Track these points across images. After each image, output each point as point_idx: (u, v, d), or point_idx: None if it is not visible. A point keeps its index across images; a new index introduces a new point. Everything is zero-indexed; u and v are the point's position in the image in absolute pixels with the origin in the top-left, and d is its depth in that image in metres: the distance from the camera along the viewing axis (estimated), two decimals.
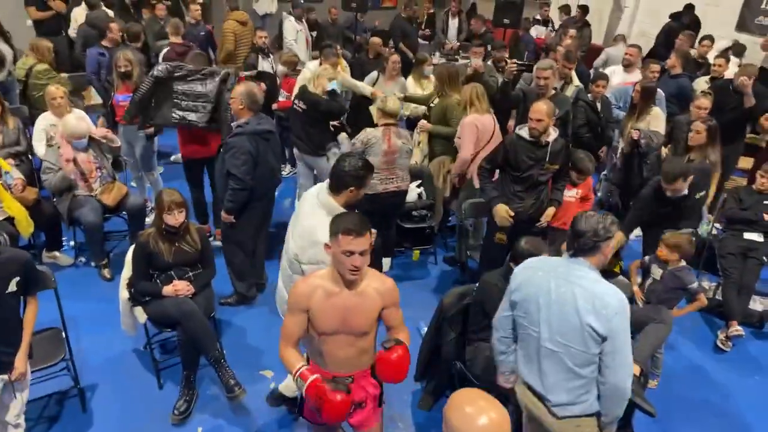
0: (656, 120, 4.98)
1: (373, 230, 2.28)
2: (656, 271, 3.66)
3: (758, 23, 7.36)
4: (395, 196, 4.43)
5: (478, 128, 4.49)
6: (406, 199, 4.67)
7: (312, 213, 2.79)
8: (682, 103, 5.57)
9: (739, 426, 3.51)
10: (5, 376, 2.59)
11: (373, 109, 4.90)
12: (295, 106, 4.89)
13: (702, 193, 4.00)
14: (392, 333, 2.39)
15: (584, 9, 9.32)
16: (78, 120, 4.38)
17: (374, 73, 5.89)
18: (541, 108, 3.75)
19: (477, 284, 3.26)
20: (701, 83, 5.91)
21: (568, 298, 2.24)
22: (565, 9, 9.81)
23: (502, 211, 3.94)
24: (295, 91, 5.30)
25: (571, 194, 4.17)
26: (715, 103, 4.93)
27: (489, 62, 6.33)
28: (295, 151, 5.15)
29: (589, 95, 5.38)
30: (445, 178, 4.98)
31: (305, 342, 2.40)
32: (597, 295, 2.18)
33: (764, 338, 4.38)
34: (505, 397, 2.77)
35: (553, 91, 4.85)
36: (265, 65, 6.40)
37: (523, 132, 3.85)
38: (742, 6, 7.54)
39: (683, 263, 3.59)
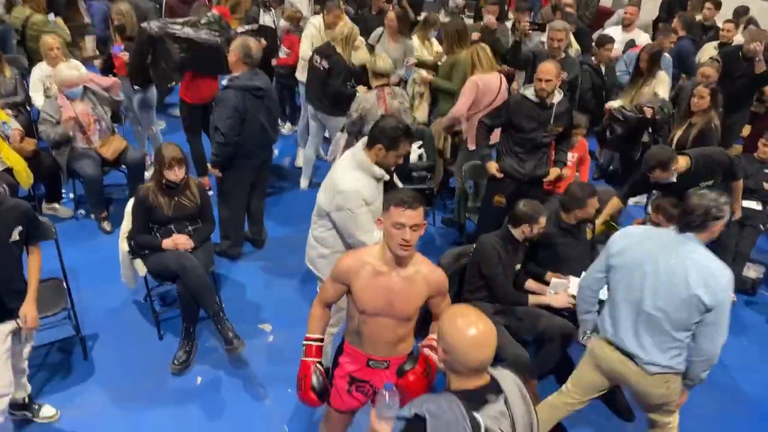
0: (661, 85, 4.91)
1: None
2: None
3: None
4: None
5: (479, 87, 4.42)
6: (408, 161, 4.60)
7: (341, 164, 2.84)
8: (682, 66, 5.50)
9: (727, 389, 3.59)
10: (13, 323, 2.63)
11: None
12: (315, 63, 4.74)
13: (709, 182, 3.64)
14: (435, 323, 2.28)
15: None
16: (70, 68, 4.31)
17: (379, 30, 5.75)
18: (549, 68, 3.69)
19: (474, 245, 3.28)
20: (709, 49, 5.81)
21: (678, 270, 2.37)
22: None
23: (492, 168, 3.98)
24: (304, 46, 5.22)
25: (568, 156, 4.17)
26: (722, 69, 4.86)
27: (507, 23, 6.23)
28: (309, 108, 5.05)
29: (593, 58, 5.29)
30: (446, 139, 4.95)
31: (347, 319, 2.35)
32: (710, 270, 2.35)
33: (755, 304, 4.44)
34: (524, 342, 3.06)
35: (563, 54, 4.78)
36: (266, 19, 6.26)
37: (529, 92, 3.80)
38: None
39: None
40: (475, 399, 1.59)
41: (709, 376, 3.59)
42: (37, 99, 4.65)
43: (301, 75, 5.30)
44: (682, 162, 3.52)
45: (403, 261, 2.13)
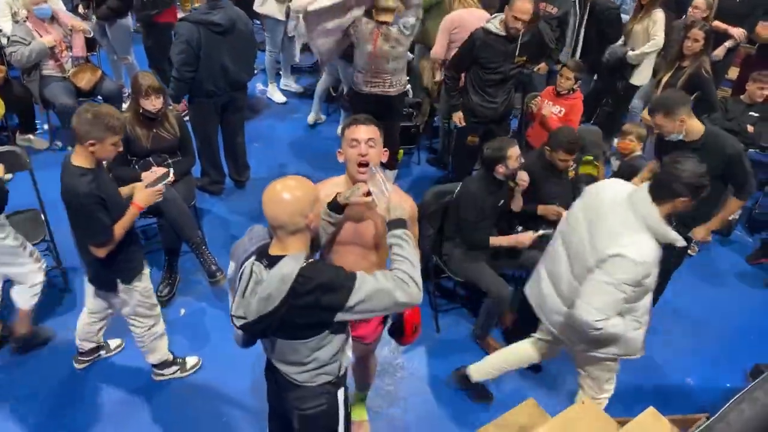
0: (655, 25, 4.72)
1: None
2: (614, 164, 3.81)
3: None
4: (380, 100, 4.10)
5: (454, 24, 4.24)
6: (399, 105, 4.36)
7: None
8: (679, 6, 5.35)
9: (700, 327, 3.71)
10: None
11: None
12: None
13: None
14: None
15: None
16: None
17: None
18: (528, 8, 3.56)
19: (459, 185, 3.27)
20: None
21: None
22: None
23: (457, 119, 4.01)
24: None
25: (554, 110, 4.08)
26: (716, 6, 4.75)
27: None
28: None
29: None
30: (434, 76, 4.84)
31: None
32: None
33: (729, 245, 4.54)
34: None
35: None
36: None
37: (492, 26, 3.69)
38: None
39: (639, 152, 3.71)
40: (259, 253, 1.80)
41: (680, 315, 3.76)
42: (4, 24, 4.41)
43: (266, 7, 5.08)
44: (694, 126, 2.90)
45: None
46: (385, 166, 4.61)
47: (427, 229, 3.34)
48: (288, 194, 1.70)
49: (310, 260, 1.75)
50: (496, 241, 3.20)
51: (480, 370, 2.95)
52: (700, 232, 3.20)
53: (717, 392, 3.23)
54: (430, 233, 3.36)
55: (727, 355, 3.50)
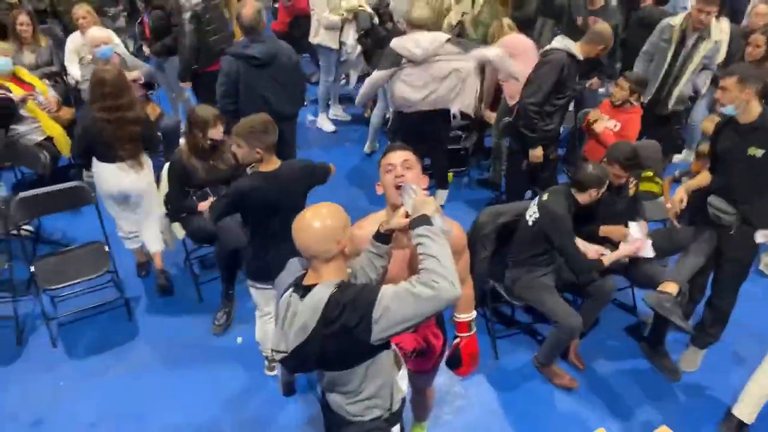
0: (722, 34, 4.33)
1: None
2: None
3: None
4: (431, 119, 4.12)
5: (508, 49, 4.19)
6: (448, 123, 4.38)
7: None
8: (735, 14, 5.15)
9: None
10: None
11: None
12: None
13: None
14: None
15: None
16: (99, 30, 4.28)
17: None
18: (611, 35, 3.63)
19: (537, 210, 3.11)
20: None
21: None
22: None
23: (536, 156, 3.84)
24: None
25: (609, 125, 3.96)
26: None
27: None
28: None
29: None
30: (482, 96, 4.80)
31: None
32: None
33: None
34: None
35: (602, 2, 4.55)
36: None
37: (575, 50, 3.60)
38: None
39: None
40: (295, 283, 1.76)
41: (763, 330, 3.48)
42: (73, 69, 4.68)
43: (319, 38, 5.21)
44: (753, 106, 2.76)
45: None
46: (436, 186, 4.66)
47: (482, 251, 3.26)
48: (318, 222, 1.68)
49: (342, 284, 1.68)
50: (609, 259, 3.08)
51: (748, 409, 2.80)
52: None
53: None
54: (485, 255, 3.28)
55: None
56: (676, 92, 4.18)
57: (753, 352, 3.16)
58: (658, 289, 2.98)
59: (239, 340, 3.39)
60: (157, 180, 3.56)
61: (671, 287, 2.94)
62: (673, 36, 4.04)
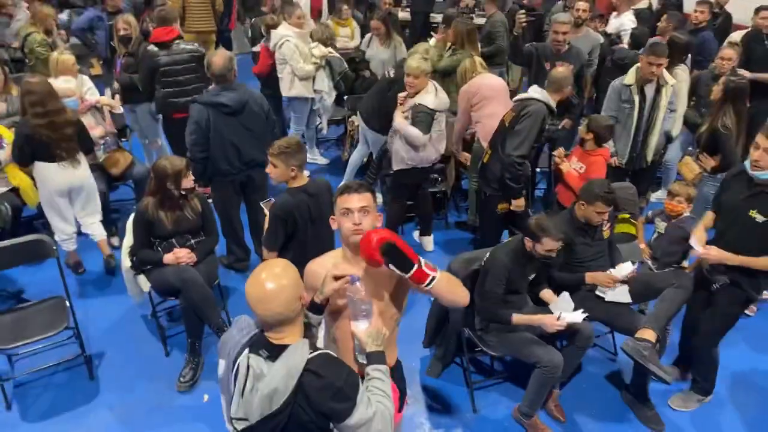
0: (679, 84, 4.42)
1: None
2: (660, 225, 3.65)
3: None
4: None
5: (470, 92, 4.28)
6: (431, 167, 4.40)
7: None
8: (703, 62, 5.25)
9: (757, 391, 3.38)
10: None
11: None
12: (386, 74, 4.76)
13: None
14: None
15: None
16: (65, 81, 4.23)
17: (368, 36, 5.84)
18: (565, 76, 3.70)
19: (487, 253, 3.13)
20: (734, 37, 5.55)
21: None
22: None
23: (517, 206, 3.83)
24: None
25: (575, 166, 3.97)
26: (744, 54, 4.63)
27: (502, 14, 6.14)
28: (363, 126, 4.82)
29: None
30: (458, 140, 4.81)
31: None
32: None
33: None
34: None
35: (567, 47, 4.63)
36: None
37: (551, 101, 3.69)
38: None
39: (687, 213, 3.53)
40: (253, 343, 1.67)
41: (746, 380, 3.41)
42: None
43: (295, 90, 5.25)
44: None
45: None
46: (421, 232, 4.61)
47: None
48: (278, 283, 1.61)
49: (318, 351, 1.62)
50: (519, 319, 2.96)
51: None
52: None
53: None
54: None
55: None
56: (652, 145, 4.21)
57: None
58: (636, 336, 2.90)
59: (206, 397, 3.23)
60: (123, 230, 3.47)
61: (648, 334, 2.87)
62: (634, 95, 4.07)
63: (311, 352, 1.61)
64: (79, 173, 3.82)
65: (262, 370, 1.60)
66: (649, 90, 4.06)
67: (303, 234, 2.98)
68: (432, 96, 3.95)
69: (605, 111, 4.27)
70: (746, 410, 3.24)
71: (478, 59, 4.55)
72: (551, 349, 2.94)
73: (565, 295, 3.09)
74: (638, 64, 4.08)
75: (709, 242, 2.90)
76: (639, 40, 5.12)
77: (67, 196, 3.87)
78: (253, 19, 6.37)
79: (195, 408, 3.16)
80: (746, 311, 3.98)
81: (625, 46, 5.56)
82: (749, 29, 5.42)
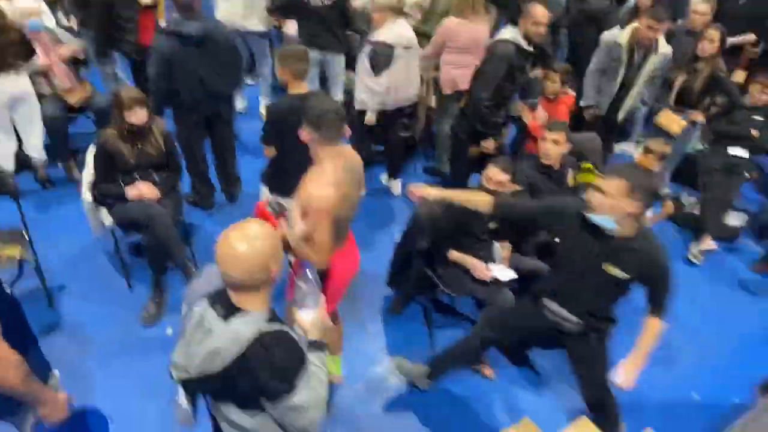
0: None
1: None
2: None
3: None
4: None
5: (450, 30, 4.15)
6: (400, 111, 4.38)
7: None
8: (676, 15, 5.24)
9: (705, 340, 3.58)
10: None
11: None
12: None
13: None
14: None
15: None
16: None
17: None
18: (544, 12, 3.57)
19: None
20: None
21: None
22: None
23: (489, 145, 3.91)
24: None
25: (540, 115, 4.07)
26: (718, 10, 4.65)
27: None
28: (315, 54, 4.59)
29: None
30: (429, 84, 4.76)
31: None
32: None
33: (736, 252, 4.40)
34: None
35: None
36: None
37: (517, 37, 3.61)
38: None
39: (657, 168, 3.64)
40: (214, 297, 1.65)
41: (691, 323, 3.63)
42: None
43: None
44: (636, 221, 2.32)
45: None
46: (389, 174, 4.61)
47: (420, 242, 3.24)
48: (246, 247, 1.50)
49: (277, 327, 1.59)
50: (454, 255, 3.11)
51: None
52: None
53: (725, 409, 3.09)
54: (422, 246, 3.26)
55: (735, 369, 3.36)
56: (627, 106, 4.26)
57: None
58: None
59: (169, 330, 3.27)
60: (83, 162, 3.39)
61: None
62: (623, 56, 4.05)
63: (270, 327, 1.56)
64: (22, 81, 3.72)
65: (212, 327, 1.56)
66: (638, 53, 4.06)
67: (294, 144, 2.77)
68: (387, 31, 3.89)
69: (595, 64, 4.26)
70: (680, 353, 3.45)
71: None
72: (505, 290, 3.05)
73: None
74: (634, 24, 4.05)
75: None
76: None
77: (9, 107, 3.74)
78: None
79: (158, 340, 3.20)
80: (694, 260, 4.20)
81: None
82: None
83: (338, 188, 2.20)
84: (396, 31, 3.91)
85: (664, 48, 4.12)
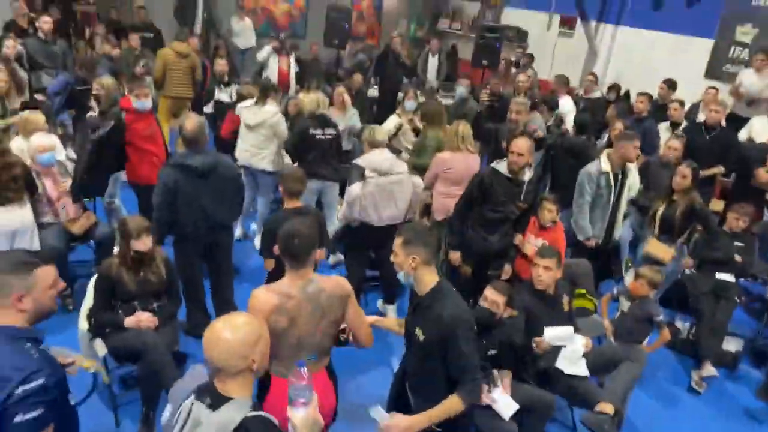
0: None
1: None
2: (624, 304, 3.77)
3: (726, 71, 7.60)
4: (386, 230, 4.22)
5: (445, 163, 4.46)
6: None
7: None
8: (647, 148, 5.67)
9: None
10: None
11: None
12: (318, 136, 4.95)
13: None
14: None
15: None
16: (43, 135, 4.25)
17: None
18: (523, 144, 3.78)
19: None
20: (662, 128, 6.04)
21: None
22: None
23: (455, 258, 4.05)
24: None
25: (537, 244, 4.12)
26: (687, 144, 5.04)
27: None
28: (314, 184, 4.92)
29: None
30: (422, 209, 4.96)
31: None
32: None
33: (737, 379, 4.36)
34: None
35: (522, 128, 4.96)
36: (223, 96, 6.44)
37: (501, 167, 3.87)
38: (710, 53, 7.79)
39: (651, 296, 3.70)
40: (201, 389, 1.71)
41: None
42: None
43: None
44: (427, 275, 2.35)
45: None
46: (385, 300, 4.63)
47: None
48: (228, 333, 1.65)
49: (258, 413, 1.65)
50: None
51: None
52: None
53: None
54: None
55: None
56: (620, 223, 4.55)
57: None
58: (595, 409, 2.96)
59: None
60: (79, 293, 3.39)
61: (607, 408, 2.94)
62: (610, 181, 4.32)
63: (252, 412, 1.64)
64: (25, 214, 3.85)
65: (200, 418, 1.63)
66: (618, 179, 4.36)
67: None
68: (370, 156, 4.18)
69: (580, 196, 4.42)
70: None
71: (462, 127, 4.56)
72: (510, 422, 2.96)
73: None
74: (608, 151, 4.39)
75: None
76: (583, 127, 5.47)
77: (10, 238, 3.81)
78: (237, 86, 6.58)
79: None
80: (697, 387, 4.13)
81: (569, 128, 5.96)
82: (686, 123, 5.99)
83: (281, 299, 2.17)
84: (368, 159, 4.18)
85: (634, 169, 4.50)
